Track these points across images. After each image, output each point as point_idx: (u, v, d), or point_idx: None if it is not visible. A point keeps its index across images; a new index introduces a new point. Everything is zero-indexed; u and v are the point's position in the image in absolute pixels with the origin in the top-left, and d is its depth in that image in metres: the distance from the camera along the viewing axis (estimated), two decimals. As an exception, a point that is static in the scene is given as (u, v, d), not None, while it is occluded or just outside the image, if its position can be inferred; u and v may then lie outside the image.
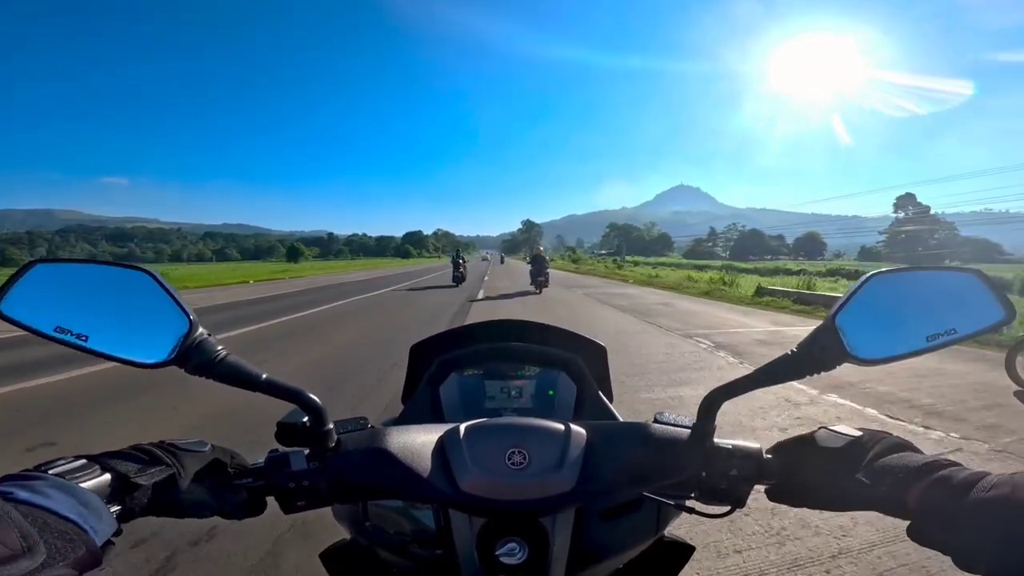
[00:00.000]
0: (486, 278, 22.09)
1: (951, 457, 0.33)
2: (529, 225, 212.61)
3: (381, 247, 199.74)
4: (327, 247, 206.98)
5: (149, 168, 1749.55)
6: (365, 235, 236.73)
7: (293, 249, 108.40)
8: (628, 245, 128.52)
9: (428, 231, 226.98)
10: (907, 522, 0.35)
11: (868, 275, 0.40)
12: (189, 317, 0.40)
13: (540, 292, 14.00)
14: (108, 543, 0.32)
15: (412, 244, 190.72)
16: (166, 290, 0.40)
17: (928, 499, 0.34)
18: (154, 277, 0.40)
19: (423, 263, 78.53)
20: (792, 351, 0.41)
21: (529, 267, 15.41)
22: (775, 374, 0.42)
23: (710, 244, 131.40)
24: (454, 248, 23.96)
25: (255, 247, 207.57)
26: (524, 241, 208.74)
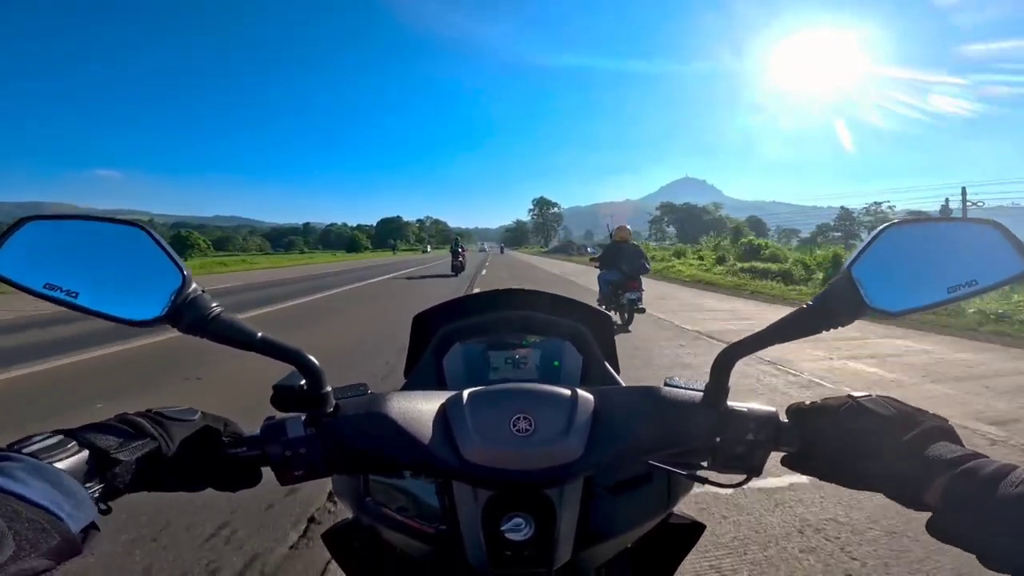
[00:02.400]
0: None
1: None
2: (544, 205, 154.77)
3: (358, 236, 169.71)
4: (303, 236, 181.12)
5: (143, 161, 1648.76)
6: (344, 224, 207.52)
7: (179, 239, 76.74)
8: (695, 232, 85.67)
9: (417, 218, 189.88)
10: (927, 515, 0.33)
11: (883, 226, 0.39)
12: (183, 272, 0.39)
13: (629, 327, 6.66)
14: (91, 528, 0.30)
15: (389, 234, 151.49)
16: (160, 245, 0.39)
17: (952, 492, 0.32)
18: (148, 232, 0.39)
19: (359, 260, 48.84)
20: (807, 305, 0.40)
21: (597, 272, 7.51)
22: (790, 330, 0.40)
23: (839, 233, 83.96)
24: (453, 239, 20.90)
25: (219, 240, 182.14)
26: (538, 228, 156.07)
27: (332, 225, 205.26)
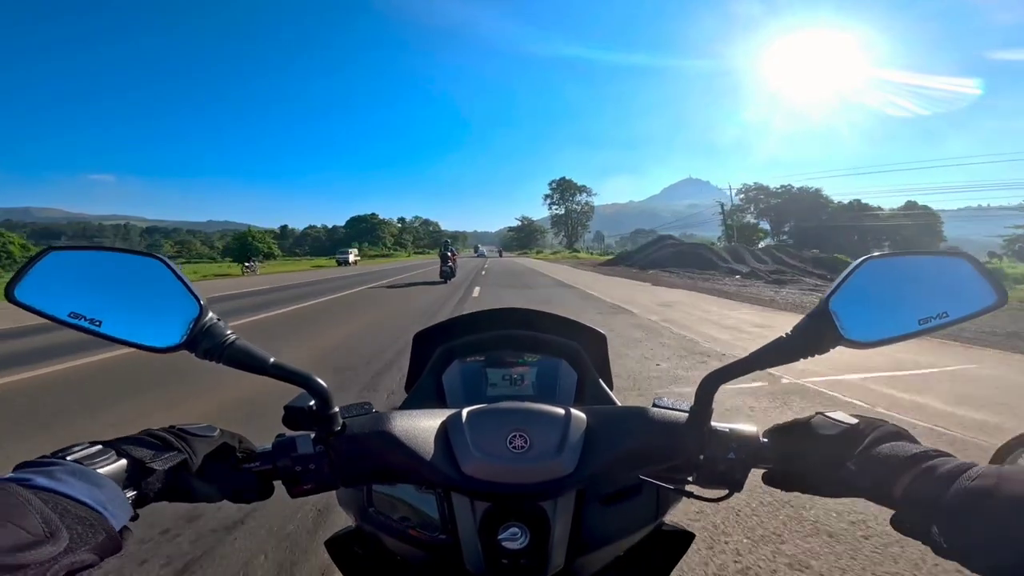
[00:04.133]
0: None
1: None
2: (567, 190, 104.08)
3: (332, 239, 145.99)
4: (280, 239, 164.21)
5: (137, 165, 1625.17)
6: (324, 226, 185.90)
7: None
8: (809, 229, 53.18)
9: (398, 216, 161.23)
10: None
11: (861, 259, 0.41)
12: (199, 302, 0.40)
13: None
14: (125, 529, 0.32)
15: (359, 236, 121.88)
16: (177, 276, 0.41)
17: (913, 489, 0.34)
18: (165, 263, 0.41)
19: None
20: (786, 335, 0.42)
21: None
22: (769, 357, 0.42)
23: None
24: (442, 243, 18.03)
25: (187, 242, 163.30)
26: (558, 221, 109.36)
27: (310, 227, 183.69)
